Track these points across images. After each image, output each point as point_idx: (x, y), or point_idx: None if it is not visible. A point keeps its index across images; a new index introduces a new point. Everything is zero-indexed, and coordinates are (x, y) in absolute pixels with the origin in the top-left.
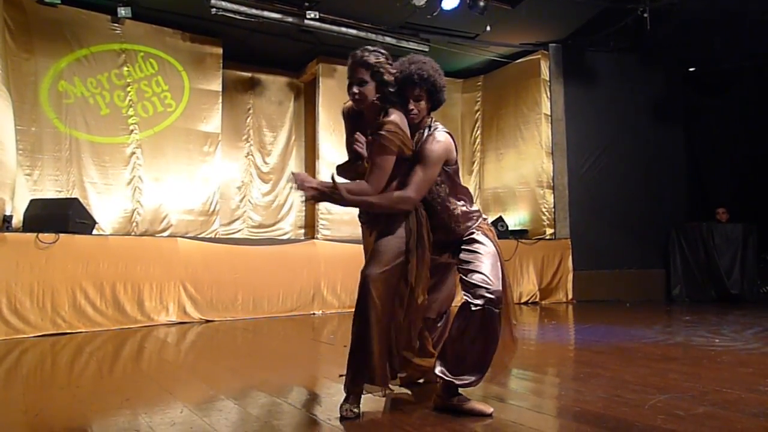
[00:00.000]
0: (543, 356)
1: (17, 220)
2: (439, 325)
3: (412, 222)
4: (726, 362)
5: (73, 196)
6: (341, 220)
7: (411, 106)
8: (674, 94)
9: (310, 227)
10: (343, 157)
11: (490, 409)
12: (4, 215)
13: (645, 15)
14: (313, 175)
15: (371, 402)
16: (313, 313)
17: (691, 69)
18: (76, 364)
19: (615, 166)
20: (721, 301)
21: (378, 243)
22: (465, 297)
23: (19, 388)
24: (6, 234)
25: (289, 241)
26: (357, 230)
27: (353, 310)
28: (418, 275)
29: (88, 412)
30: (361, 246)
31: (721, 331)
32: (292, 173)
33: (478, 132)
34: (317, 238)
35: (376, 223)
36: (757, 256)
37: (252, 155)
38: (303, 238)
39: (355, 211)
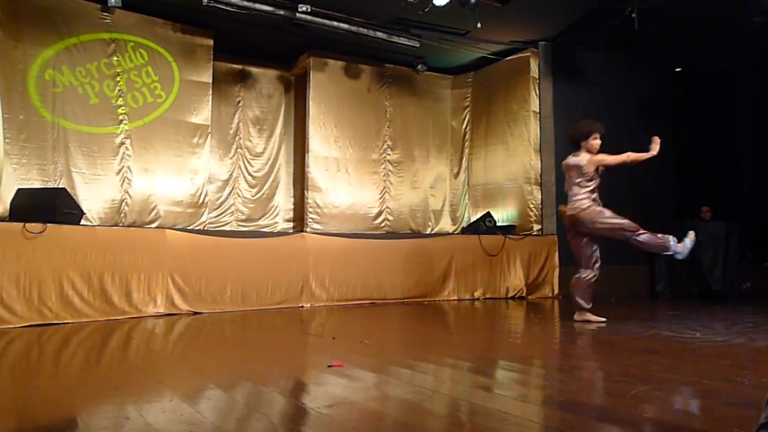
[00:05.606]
0: (528, 349)
1: (3, 209)
2: None
3: None
4: (705, 355)
5: (60, 186)
6: (330, 213)
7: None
8: (661, 94)
9: (299, 220)
10: (331, 150)
11: None
12: None
13: (633, 15)
14: (303, 169)
15: (358, 390)
16: (302, 306)
17: (677, 69)
18: (63, 354)
19: None
20: (703, 298)
21: None
22: None
23: (6, 377)
24: None
25: (278, 234)
26: (345, 224)
27: (341, 303)
28: None
29: (77, 400)
30: (348, 240)
31: (702, 325)
32: None
33: (468, 128)
34: (306, 232)
35: None
36: (739, 254)
37: (241, 148)
38: (292, 231)
39: (341, 205)
